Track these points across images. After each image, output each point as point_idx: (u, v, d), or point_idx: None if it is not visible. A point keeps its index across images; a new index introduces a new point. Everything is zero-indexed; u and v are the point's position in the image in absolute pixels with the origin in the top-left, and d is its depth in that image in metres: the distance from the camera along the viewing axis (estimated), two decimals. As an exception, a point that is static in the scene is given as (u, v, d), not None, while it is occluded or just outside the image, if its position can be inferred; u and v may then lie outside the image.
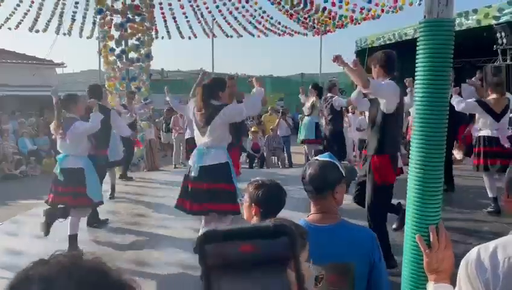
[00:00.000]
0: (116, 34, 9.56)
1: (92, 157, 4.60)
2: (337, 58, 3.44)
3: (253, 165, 10.67)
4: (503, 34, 9.40)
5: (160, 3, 12.76)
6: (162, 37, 14.81)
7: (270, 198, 1.99)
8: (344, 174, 1.87)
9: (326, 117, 7.58)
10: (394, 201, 5.23)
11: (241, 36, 15.16)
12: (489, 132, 5.21)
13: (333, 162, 1.87)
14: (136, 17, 9.58)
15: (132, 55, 9.70)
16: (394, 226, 4.48)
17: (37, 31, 13.59)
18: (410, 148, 1.42)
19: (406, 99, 4.14)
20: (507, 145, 5.12)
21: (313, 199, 1.86)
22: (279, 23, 14.36)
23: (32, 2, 12.07)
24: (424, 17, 1.35)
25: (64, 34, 14.02)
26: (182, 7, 13.35)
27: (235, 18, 14.02)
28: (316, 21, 13.74)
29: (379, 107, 3.70)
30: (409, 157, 1.44)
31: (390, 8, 11.33)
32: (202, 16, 14.25)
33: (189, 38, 15.40)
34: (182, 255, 4.24)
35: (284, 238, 0.67)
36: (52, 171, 4.59)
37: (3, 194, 8.38)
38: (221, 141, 3.83)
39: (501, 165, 4.99)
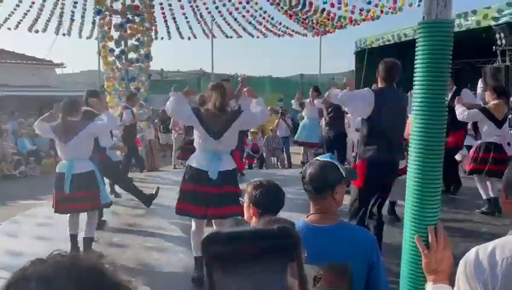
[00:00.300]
0: (115, 34, 9.56)
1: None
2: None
3: (253, 165, 10.68)
4: (502, 35, 9.41)
5: (161, 4, 12.77)
6: (162, 38, 14.82)
7: (268, 199, 1.98)
8: (344, 175, 1.87)
9: (326, 118, 7.57)
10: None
11: (241, 37, 15.17)
12: (491, 139, 5.18)
13: (333, 163, 1.88)
14: (135, 17, 9.58)
15: (132, 55, 9.70)
16: None
17: (37, 31, 13.58)
18: (409, 149, 1.43)
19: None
20: (510, 153, 5.09)
21: (313, 199, 1.87)
22: (280, 23, 14.37)
23: (33, 3, 12.06)
24: (423, 18, 1.35)
25: (64, 35, 14.02)
26: (182, 7, 13.36)
27: (235, 19, 14.03)
28: (315, 22, 13.75)
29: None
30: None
31: (389, 9, 11.35)
32: (202, 16, 14.26)
33: (189, 38, 15.40)
34: (181, 256, 4.24)
35: (287, 241, 0.67)
36: (51, 171, 4.56)
37: (3, 195, 8.37)
38: (232, 146, 3.84)
39: (498, 171, 4.97)
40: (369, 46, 14.30)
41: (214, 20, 14.52)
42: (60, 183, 4.11)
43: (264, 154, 10.84)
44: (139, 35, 9.62)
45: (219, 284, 0.66)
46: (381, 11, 11.59)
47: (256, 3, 12.93)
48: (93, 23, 13.16)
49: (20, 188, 9.48)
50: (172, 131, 11.11)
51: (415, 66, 1.37)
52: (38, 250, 4.07)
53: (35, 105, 16.26)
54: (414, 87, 1.39)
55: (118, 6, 9.61)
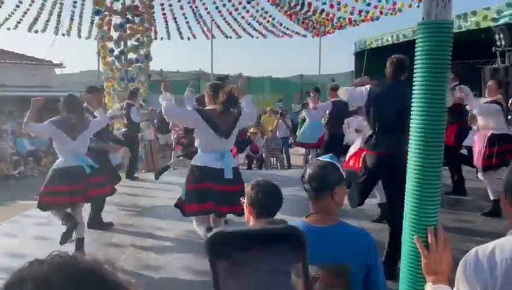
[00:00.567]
0: (115, 34, 9.55)
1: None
2: None
3: (252, 166, 10.67)
4: (501, 36, 9.41)
5: (162, 4, 12.78)
6: (162, 38, 14.84)
7: (264, 199, 1.98)
8: (344, 176, 1.88)
9: (326, 119, 7.60)
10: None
11: (240, 37, 15.18)
12: (502, 131, 5.25)
13: (334, 163, 1.88)
14: (135, 18, 9.58)
15: (131, 55, 9.69)
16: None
17: (36, 32, 13.58)
18: (408, 149, 1.43)
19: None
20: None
21: (312, 198, 1.87)
22: (281, 24, 14.39)
23: (33, 1, 12.06)
24: (423, 18, 1.35)
25: (63, 35, 14.03)
26: (181, 8, 13.37)
27: (235, 19, 14.04)
28: (315, 22, 13.77)
29: None
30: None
31: (389, 10, 11.37)
32: (201, 17, 14.28)
33: (188, 39, 15.41)
34: (180, 256, 4.24)
35: (293, 241, 0.67)
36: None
37: (2, 195, 8.37)
38: (232, 144, 3.97)
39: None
40: (369, 47, 14.31)
41: (213, 20, 14.53)
42: (76, 176, 4.14)
43: (264, 155, 10.83)
44: (139, 35, 9.62)
45: (223, 282, 0.66)
46: (381, 12, 11.62)
47: (258, 4, 12.95)
48: (92, 23, 13.17)
49: (19, 188, 9.47)
50: (172, 131, 11.10)
51: (415, 66, 1.37)
52: (38, 250, 4.06)
53: (35, 105, 16.21)
54: (414, 87, 1.39)
55: (117, 6, 9.61)
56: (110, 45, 9.52)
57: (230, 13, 13.70)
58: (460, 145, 6.25)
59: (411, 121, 1.42)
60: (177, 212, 3.98)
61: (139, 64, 9.70)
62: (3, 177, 10.66)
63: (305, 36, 15.17)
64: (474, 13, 9.99)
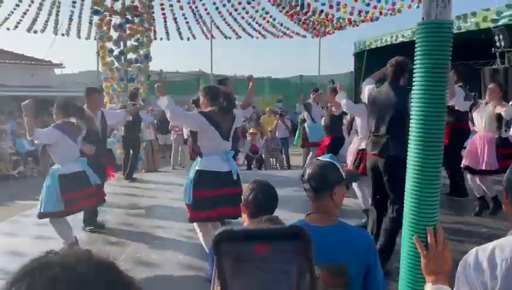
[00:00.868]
0: (114, 34, 9.55)
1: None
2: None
3: (252, 166, 10.67)
4: (501, 36, 9.42)
5: (162, 4, 12.77)
6: (161, 38, 14.83)
7: (260, 199, 1.98)
8: (344, 177, 1.88)
9: (327, 123, 7.58)
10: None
11: (240, 37, 15.17)
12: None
13: (333, 163, 1.89)
14: (135, 18, 9.57)
15: (131, 56, 9.68)
16: None
17: (35, 32, 13.57)
18: (408, 149, 1.43)
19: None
20: None
21: (311, 198, 1.88)
22: (282, 24, 14.39)
23: (32, 2, 12.06)
24: (423, 19, 1.35)
25: (63, 35, 14.01)
26: (181, 8, 13.36)
27: (235, 19, 14.04)
28: (315, 22, 13.78)
29: None
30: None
31: (388, 10, 11.37)
32: (201, 17, 14.27)
33: (188, 39, 15.40)
34: (180, 256, 4.24)
35: (298, 241, 0.67)
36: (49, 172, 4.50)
37: (1, 195, 8.37)
38: (231, 145, 3.98)
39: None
40: (368, 48, 14.32)
41: (213, 21, 14.53)
42: (80, 181, 4.18)
43: (263, 155, 10.83)
44: (138, 35, 9.61)
45: (230, 281, 0.66)
46: (380, 13, 11.62)
47: (259, 4, 12.95)
48: (91, 23, 13.16)
49: (18, 188, 9.47)
50: (172, 131, 11.09)
51: (415, 66, 1.37)
52: (37, 250, 4.04)
53: (34, 105, 16.21)
54: (413, 88, 1.39)
55: (117, 6, 9.60)
56: (110, 45, 9.51)
57: (230, 13, 13.69)
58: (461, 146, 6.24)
59: (411, 121, 1.42)
60: (177, 212, 3.99)
61: (139, 64, 9.69)
62: (2, 177, 10.66)
63: (304, 37, 15.18)
64: (474, 14, 10.01)
